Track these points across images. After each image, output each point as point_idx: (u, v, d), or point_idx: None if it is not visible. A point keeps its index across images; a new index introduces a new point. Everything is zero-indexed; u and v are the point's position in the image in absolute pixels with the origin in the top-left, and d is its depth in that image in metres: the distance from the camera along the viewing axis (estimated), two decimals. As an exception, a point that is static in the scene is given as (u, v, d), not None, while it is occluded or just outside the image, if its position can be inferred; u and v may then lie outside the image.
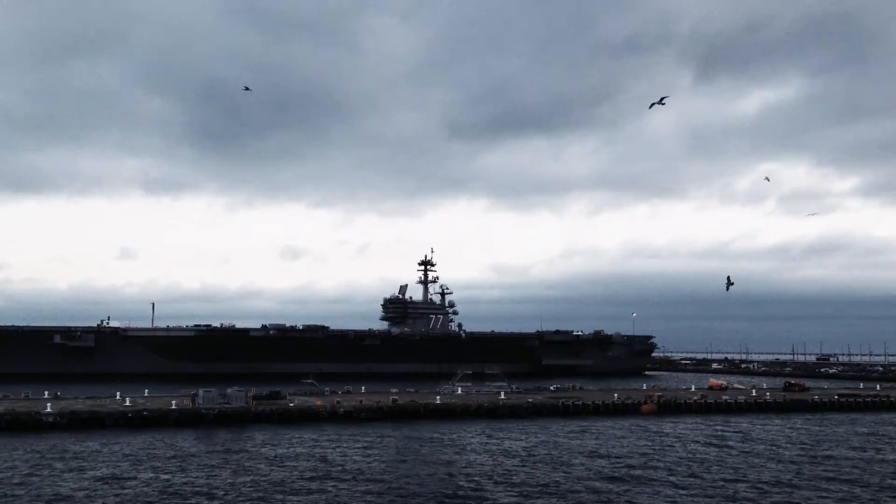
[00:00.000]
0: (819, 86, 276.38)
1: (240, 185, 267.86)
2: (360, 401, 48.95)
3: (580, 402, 50.83)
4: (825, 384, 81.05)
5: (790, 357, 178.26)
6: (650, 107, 38.76)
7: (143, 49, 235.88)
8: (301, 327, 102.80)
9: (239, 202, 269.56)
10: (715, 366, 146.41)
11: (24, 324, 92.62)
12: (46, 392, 50.15)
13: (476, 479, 27.57)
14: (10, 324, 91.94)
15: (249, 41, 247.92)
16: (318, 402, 47.08)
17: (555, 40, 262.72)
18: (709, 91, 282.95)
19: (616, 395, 55.12)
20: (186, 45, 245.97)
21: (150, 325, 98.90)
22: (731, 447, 36.16)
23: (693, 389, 64.44)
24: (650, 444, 36.82)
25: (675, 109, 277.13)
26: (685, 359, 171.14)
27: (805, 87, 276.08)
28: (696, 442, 37.86)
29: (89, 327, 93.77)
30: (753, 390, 62.20)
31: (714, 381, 72.21)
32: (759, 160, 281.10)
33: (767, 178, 73.87)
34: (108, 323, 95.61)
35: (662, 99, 39.38)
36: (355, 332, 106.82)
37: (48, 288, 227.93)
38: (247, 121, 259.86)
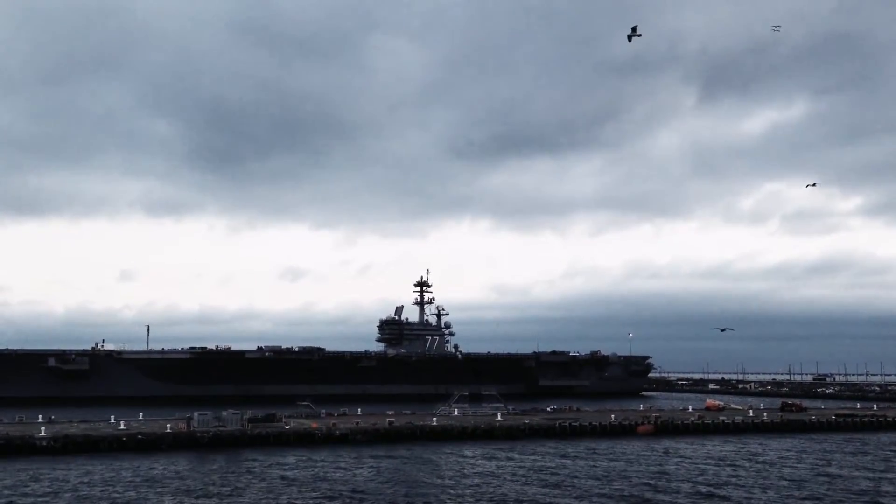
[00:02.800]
0: (823, 106, 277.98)
1: (242, 207, 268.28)
2: (357, 423, 48.74)
3: (577, 423, 50.67)
4: (822, 404, 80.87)
5: (787, 377, 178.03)
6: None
7: (146, 70, 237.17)
8: (297, 349, 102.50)
9: (241, 223, 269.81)
10: (712, 386, 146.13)
11: (20, 347, 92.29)
12: (40, 416, 49.81)
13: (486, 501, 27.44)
14: (5, 347, 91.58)
15: (254, 62, 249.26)
16: (314, 425, 46.85)
17: (561, 60, 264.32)
18: (713, 111, 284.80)
19: (613, 415, 54.96)
20: (190, 66, 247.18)
21: (144, 348, 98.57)
22: (742, 467, 36.05)
23: (690, 410, 64.29)
24: (658, 464, 36.69)
25: (680, 130, 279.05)
26: (682, 379, 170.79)
27: (809, 107, 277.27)
28: (705, 462, 37.72)
29: (84, 350, 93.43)
30: (750, 411, 62.08)
31: (711, 401, 72.02)
32: (763, 180, 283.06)
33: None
34: (102, 346, 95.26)
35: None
36: (351, 353, 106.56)
37: (46, 311, 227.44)
38: (250, 142, 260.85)
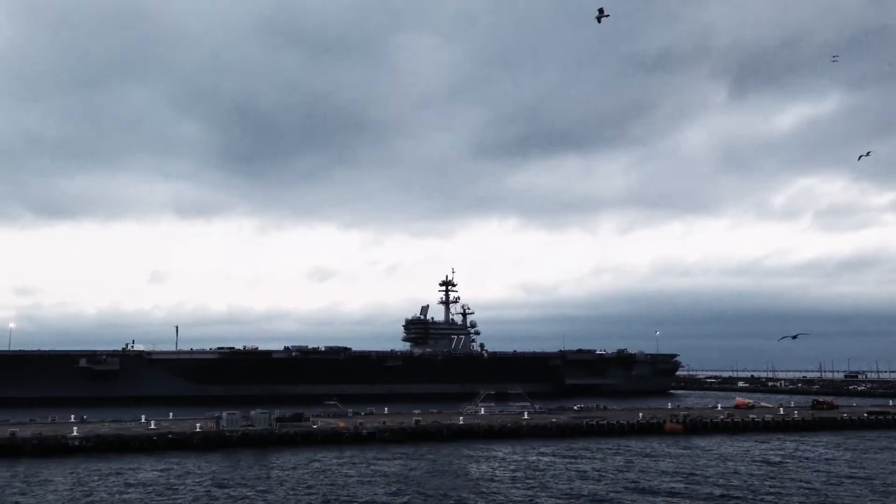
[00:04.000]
0: (857, 100, 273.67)
1: (271, 207, 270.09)
2: (383, 422, 48.87)
3: (604, 422, 50.41)
4: (854, 402, 79.82)
5: (818, 375, 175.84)
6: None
7: (176, 73, 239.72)
8: (323, 349, 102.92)
9: (270, 224, 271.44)
10: (741, 384, 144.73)
11: (52, 348, 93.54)
12: (72, 416, 50.49)
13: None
14: (37, 348, 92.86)
15: (282, 62, 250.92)
16: (341, 424, 47.04)
17: (588, 57, 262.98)
18: (743, 106, 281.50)
19: (640, 414, 54.63)
20: (219, 67, 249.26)
21: (174, 349, 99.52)
22: (781, 465, 35.71)
23: (719, 408, 63.73)
24: (694, 463, 36.45)
25: (709, 126, 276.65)
26: (710, 377, 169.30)
27: (842, 102, 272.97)
28: (739, 461, 37.41)
29: (114, 351, 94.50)
30: (781, 409, 61.43)
31: (741, 399, 71.31)
32: (795, 175, 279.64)
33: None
34: (132, 347, 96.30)
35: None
36: (377, 353, 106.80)
37: (77, 312, 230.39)
38: (278, 143, 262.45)
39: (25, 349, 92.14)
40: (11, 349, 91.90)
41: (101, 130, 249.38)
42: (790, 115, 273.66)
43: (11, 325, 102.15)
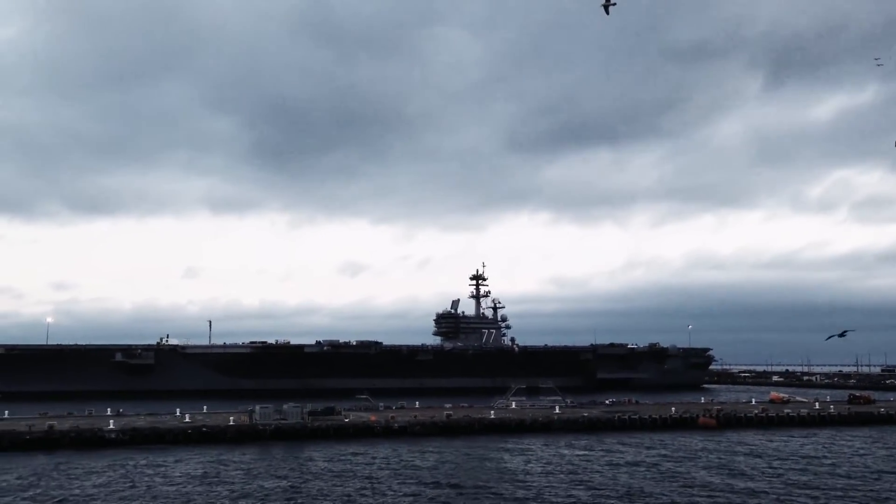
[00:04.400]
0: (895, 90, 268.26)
1: (303, 203, 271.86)
2: (415, 416, 48.97)
3: (636, 416, 50.05)
4: (891, 396, 78.47)
5: (854, 369, 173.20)
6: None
7: (209, 69, 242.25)
8: (354, 343, 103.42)
9: (302, 219, 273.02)
10: (775, 378, 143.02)
11: (89, 342, 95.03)
12: (109, 409, 51.25)
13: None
14: (74, 343, 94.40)
15: (315, 57, 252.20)
16: (373, 418, 47.22)
17: (622, 48, 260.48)
18: (779, 97, 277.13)
19: (673, 408, 54.16)
20: (252, 63, 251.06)
21: (207, 343, 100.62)
22: (817, 460, 35.24)
23: (753, 403, 62.97)
24: (730, 458, 36.10)
25: (744, 117, 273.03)
26: (744, 371, 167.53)
27: (882, 92, 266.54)
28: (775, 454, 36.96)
29: (149, 345, 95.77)
30: (816, 403, 60.53)
31: (775, 393, 70.40)
32: (832, 167, 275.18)
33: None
34: (167, 341, 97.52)
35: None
36: (408, 347, 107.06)
37: (113, 307, 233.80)
38: (311, 138, 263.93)
39: (63, 343, 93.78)
40: (49, 343, 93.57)
41: (137, 127, 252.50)
42: (827, 105, 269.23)
43: (49, 319, 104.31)
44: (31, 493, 27.33)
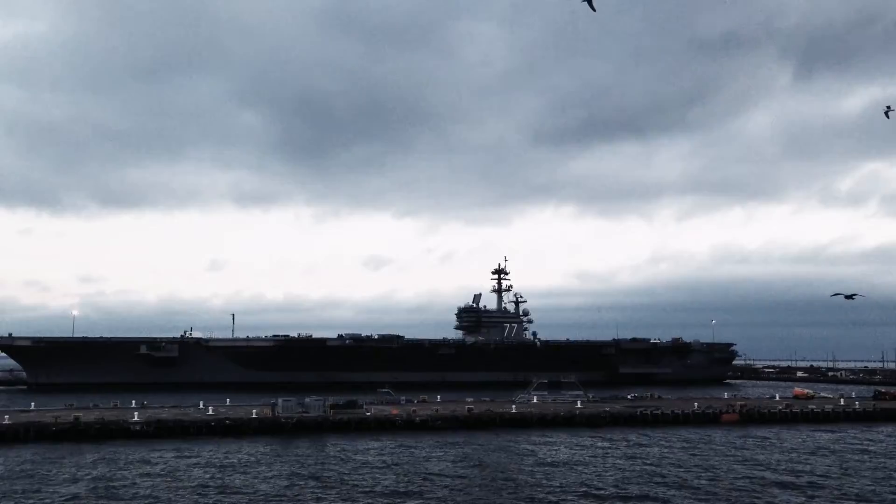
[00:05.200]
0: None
1: (328, 196, 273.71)
2: (436, 410, 49.05)
3: (659, 412, 49.81)
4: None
5: (880, 364, 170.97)
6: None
7: (236, 63, 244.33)
8: (377, 337, 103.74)
9: (327, 213, 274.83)
10: (800, 374, 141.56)
11: (114, 335, 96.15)
12: (133, 401, 51.83)
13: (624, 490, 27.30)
14: (100, 335, 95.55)
15: (342, 51, 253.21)
16: (394, 411, 47.38)
17: (650, 40, 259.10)
18: (809, 89, 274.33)
19: (696, 403, 53.84)
20: (279, 57, 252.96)
21: (230, 336, 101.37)
22: (843, 455, 34.92)
23: (777, 398, 62.47)
24: (753, 453, 35.85)
25: (773, 109, 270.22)
26: (768, 367, 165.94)
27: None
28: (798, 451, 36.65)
29: (173, 338, 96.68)
30: (841, 399, 59.94)
31: (799, 389, 69.81)
32: (862, 160, 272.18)
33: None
34: (190, 334, 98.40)
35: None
36: (430, 341, 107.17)
37: (139, 300, 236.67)
38: (336, 131, 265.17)
39: (88, 336, 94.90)
40: (75, 336, 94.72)
41: (165, 121, 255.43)
42: (858, 97, 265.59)
43: (75, 312, 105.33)
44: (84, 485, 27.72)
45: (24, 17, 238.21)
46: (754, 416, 50.29)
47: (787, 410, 51.80)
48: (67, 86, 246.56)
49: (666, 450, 37.05)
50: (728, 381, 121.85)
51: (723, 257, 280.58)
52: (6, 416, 41.32)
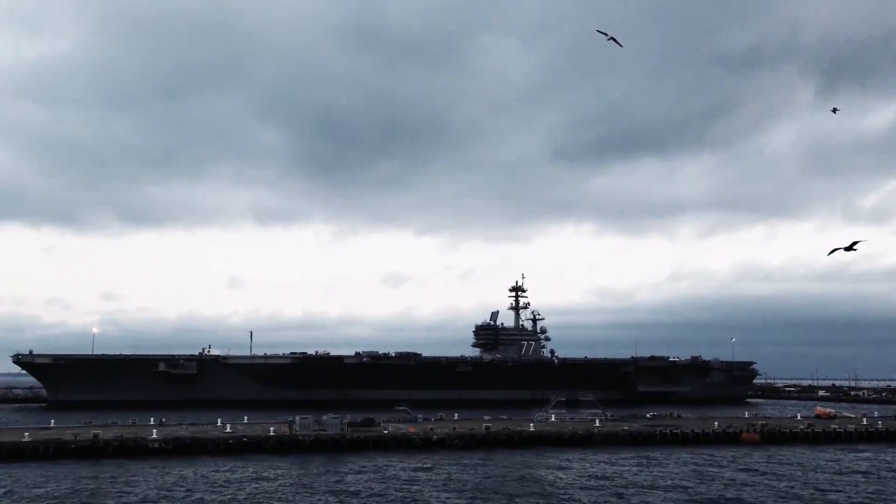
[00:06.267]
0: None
1: (348, 214, 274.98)
2: (454, 428, 48.83)
3: (678, 431, 49.31)
4: (943, 412, 76.24)
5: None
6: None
7: (257, 81, 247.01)
8: (394, 354, 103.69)
9: (346, 230, 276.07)
10: (821, 393, 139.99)
11: (133, 352, 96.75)
12: (152, 418, 51.99)
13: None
14: (119, 353, 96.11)
15: (362, 68, 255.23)
16: (412, 429, 47.22)
17: (671, 57, 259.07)
18: (832, 105, 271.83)
19: (716, 423, 53.28)
20: (299, 74, 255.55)
21: (248, 353, 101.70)
22: (868, 476, 34.40)
23: (799, 418, 61.72)
24: (776, 473, 35.40)
25: (796, 126, 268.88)
26: (789, 386, 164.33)
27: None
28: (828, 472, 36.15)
29: (192, 355, 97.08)
30: (864, 419, 59.14)
31: (821, 409, 68.90)
32: (886, 176, 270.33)
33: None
34: (209, 351, 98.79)
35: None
36: (447, 358, 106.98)
37: (158, 317, 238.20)
38: (356, 148, 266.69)
39: (108, 353, 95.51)
40: (95, 353, 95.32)
41: (187, 138, 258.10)
42: (882, 113, 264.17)
43: (95, 329, 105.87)
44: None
45: (48, 36, 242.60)
46: (775, 436, 49.67)
47: (809, 430, 51.14)
48: (90, 104, 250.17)
49: (685, 470, 36.64)
50: (748, 400, 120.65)
51: (744, 275, 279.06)
52: (26, 434, 41.53)
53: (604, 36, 32.01)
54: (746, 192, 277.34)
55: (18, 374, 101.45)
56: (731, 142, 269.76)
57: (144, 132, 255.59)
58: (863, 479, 34.16)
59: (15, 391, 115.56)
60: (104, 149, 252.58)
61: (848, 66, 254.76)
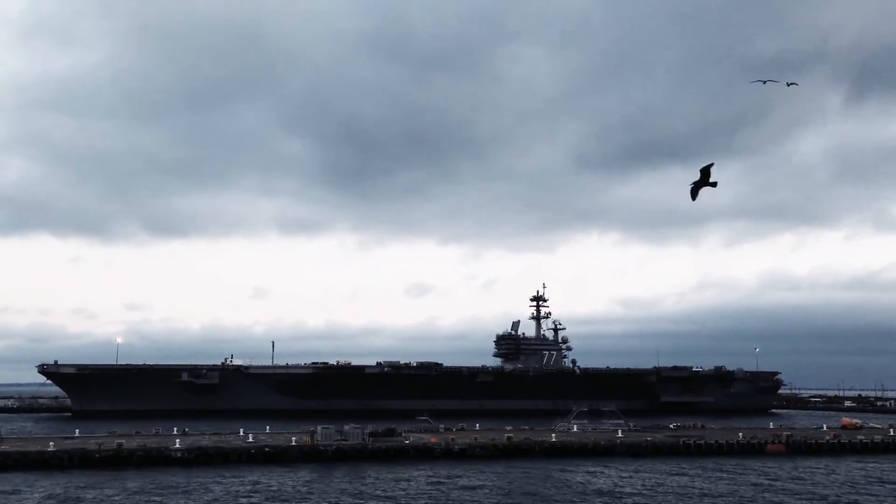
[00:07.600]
0: None
1: (372, 223, 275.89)
2: (475, 438, 48.67)
3: (703, 441, 48.80)
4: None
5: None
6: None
7: (283, 91, 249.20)
8: (415, 364, 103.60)
9: (370, 240, 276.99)
10: (847, 403, 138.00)
11: (157, 362, 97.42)
12: (175, 428, 52.27)
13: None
14: (143, 362, 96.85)
15: (387, 78, 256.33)
16: (433, 440, 47.12)
17: (698, 64, 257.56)
18: (862, 112, 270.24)
19: (741, 433, 52.70)
20: (325, 85, 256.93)
21: (270, 363, 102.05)
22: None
23: (825, 428, 60.90)
24: (803, 486, 34.97)
25: (825, 133, 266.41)
26: (815, 396, 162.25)
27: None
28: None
29: (214, 365, 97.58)
30: (891, 429, 58.24)
31: (847, 419, 67.95)
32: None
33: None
34: (231, 361, 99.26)
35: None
36: (468, 368, 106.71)
37: (183, 327, 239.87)
38: (381, 158, 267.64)
39: (131, 363, 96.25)
40: (119, 363, 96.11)
41: (213, 149, 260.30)
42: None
43: (119, 339, 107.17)
44: None
45: (77, 48, 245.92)
46: (801, 447, 49.03)
47: (835, 441, 50.45)
48: (117, 115, 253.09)
49: (710, 481, 36.25)
50: (773, 410, 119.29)
51: (771, 284, 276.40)
52: (51, 443, 41.91)
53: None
54: (774, 201, 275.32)
55: (44, 384, 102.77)
56: (759, 149, 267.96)
57: (171, 143, 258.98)
58: (890, 491, 33.64)
59: (40, 401, 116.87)
60: (131, 159, 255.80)
61: (878, 74, 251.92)
